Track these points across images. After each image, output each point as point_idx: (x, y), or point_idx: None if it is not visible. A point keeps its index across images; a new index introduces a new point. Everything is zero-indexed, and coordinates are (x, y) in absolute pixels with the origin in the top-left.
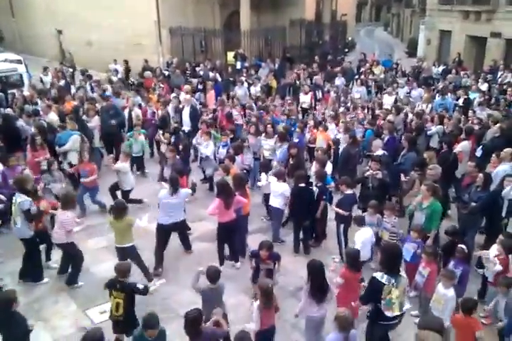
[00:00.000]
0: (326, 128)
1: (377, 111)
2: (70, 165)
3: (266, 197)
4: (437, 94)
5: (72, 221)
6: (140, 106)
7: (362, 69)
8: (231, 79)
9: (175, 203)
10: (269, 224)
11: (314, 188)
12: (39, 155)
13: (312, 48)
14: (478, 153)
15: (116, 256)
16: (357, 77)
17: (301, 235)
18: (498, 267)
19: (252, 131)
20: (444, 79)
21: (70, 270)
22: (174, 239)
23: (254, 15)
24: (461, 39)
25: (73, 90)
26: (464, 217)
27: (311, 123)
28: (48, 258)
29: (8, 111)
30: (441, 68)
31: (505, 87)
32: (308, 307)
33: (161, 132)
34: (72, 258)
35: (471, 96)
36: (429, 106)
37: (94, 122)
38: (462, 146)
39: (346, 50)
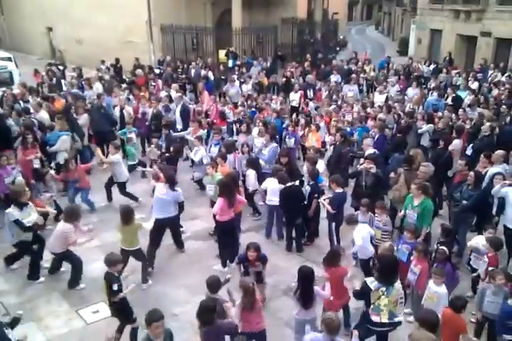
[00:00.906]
0: (318, 128)
1: (368, 110)
2: (57, 165)
3: (251, 196)
4: (430, 93)
5: (72, 233)
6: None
7: (353, 67)
8: (223, 77)
9: (169, 200)
10: (260, 222)
11: (306, 187)
12: (30, 154)
13: (304, 47)
14: (469, 151)
15: None
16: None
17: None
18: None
19: (244, 129)
20: (436, 78)
21: (70, 273)
22: (167, 238)
23: (245, 13)
24: (452, 38)
25: (64, 88)
26: (455, 215)
27: (303, 121)
28: (40, 258)
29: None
30: (431, 67)
31: (492, 85)
32: (296, 309)
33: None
34: (71, 264)
35: (461, 94)
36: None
37: (84, 120)
38: (454, 145)
39: (338, 48)
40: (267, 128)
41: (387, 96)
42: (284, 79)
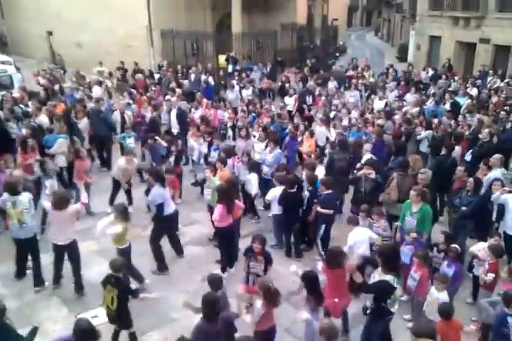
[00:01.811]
0: (312, 134)
1: (367, 115)
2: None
3: (252, 201)
4: (430, 99)
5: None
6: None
7: (352, 73)
8: (222, 82)
9: (167, 194)
10: (260, 227)
11: (306, 192)
12: (30, 158)
13: (303, 52)
14: (468, 157)
15: (107, 259)
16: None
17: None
18: (490, 276)
19: (243, 134)
20: (435, 84)
21: (74, 278)
22: (166, 243)
23: (245, 18)
24: (451, 45)
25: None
26: (455, 222)
27: (302, 127)
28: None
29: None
30: (430, 73)
31: (492, 92)
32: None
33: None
34: (76, 261)
35: (459, 100)
36: (417, 109)
37: (84, 124)
38: (453, 151)
39: (337, 54)
40: (267, 133)
41: (386, 102)
42: (280, 84)
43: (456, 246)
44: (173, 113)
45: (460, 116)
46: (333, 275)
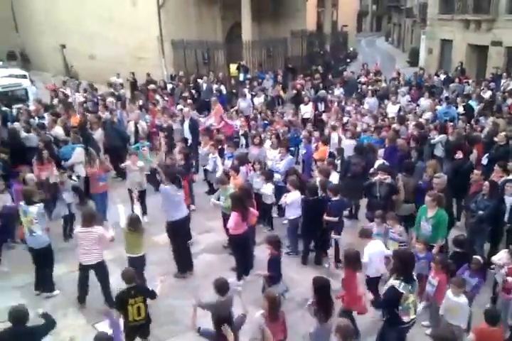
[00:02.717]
0: (326, 142)
1: (380, 121)
2: (79, 177)
3: (267, 210)
4: (442, 103)
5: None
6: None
7: (364, 79)
8: (234, 91)
9: (180, 199)
10: (274, 234)
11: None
12: (46, 169)
13: (314, 59)
14: (485, 161)
15: (122, 269)
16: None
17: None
18: (510, 279)
19: (256, 141)
20: (447, 87)
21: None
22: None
23: (255, 26)
24: (463, 48)
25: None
26: (472, 226)
27: (316, 134)
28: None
29: (17, 125)
30: (442, 77)
31: (506, 94)
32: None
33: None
34: (104, 280)
35: (472, 104)
36: (431, 113)
37: (98, 135)
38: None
39: (348, 60)
40: (279, 141)
41: (400, 107)
42: (295, 92)
43: (479, 257)
44: (186, 123)
45: (473, 119)
46: (354, 278)
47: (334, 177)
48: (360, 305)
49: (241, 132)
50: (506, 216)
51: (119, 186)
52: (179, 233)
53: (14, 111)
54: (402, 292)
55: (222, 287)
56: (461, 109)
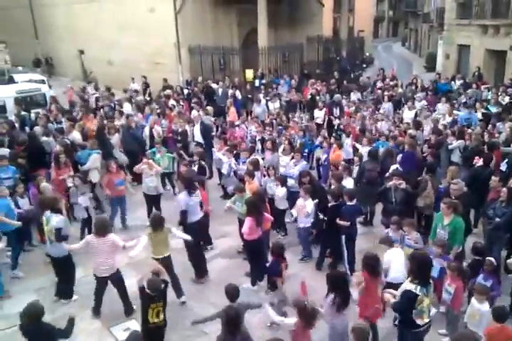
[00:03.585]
0: (340, 146)
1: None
2: (91, 183)
3: (280, 215)
4: (460, 109)
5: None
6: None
7: (379, 84)
8: (249, 96)
9: (196, 202)
10: (289, 239)
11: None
12: (63, 173)
13: (330, 64)
14: (503, 167)
15: (138, 272)
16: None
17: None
18: None
19: (269, 146)
20: (464, 93)
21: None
22: None
23: (271, 32)
24: (480, 53)
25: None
26: (489, 233)
27: (333, 140)
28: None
29: (37, 129)
30: (459, 82)
31: None
32: (330, 316)
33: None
34: (121, 288)
35: (491, 109)
36: (449, 119)
37: (115, 139)
38: None
39: (364, 65)
40: (292, 147)
41: (416, 112)
42: (309, 97)
43: (492, 259)
44: (197, 128)
45: (490, 125)
46: (373, 283)
47: (349, 183)
48: (375, 313)
49: (258, 137)
50: None
51: (135, 190)
52: (194, 235)
53: (32, 115)
54: (417, 294)
55: (231, 292)
56: (479, 115)
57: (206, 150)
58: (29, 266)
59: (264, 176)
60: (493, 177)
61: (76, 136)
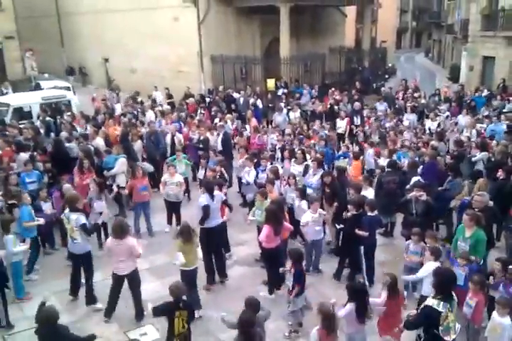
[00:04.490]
0: (358, 157)
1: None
2: (119, 187)
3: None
4: (483, 121)
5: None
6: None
7: (401, 95)
8: (270, 105)
9: (216, 207)
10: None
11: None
12: (86, 178)
13: (352, 74)
14: None
15: (157, 278)
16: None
17: None
18: None
19: (287, 155)
20: (488, 105)
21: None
22: None
23: (293, 42)
24: (506, 64)
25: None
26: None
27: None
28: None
29: (63, 135)
30: (484, 94)
31: None
32: (349, 326)
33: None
34: (136, 289)
35: None
36: (474, 131)
37: (138, 146)
38: None
39: (387, 76)
40: (304, 156)
41: (439, 123)
42: (328, 106)
43: None
44: (219, 138)
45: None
46: (392, 304)
47: (370, 193)
48: (395, 335)
49: (278, 146)
50: None
51: (154, 196)
52: (212, 240)
53: (58, 121)
54: (441, 311)
55: (252, 306)
56: (504, 127)
57: (227, 158)
58: (50, 269)
59: (285, 185)
60: None
61: (99, 142)
